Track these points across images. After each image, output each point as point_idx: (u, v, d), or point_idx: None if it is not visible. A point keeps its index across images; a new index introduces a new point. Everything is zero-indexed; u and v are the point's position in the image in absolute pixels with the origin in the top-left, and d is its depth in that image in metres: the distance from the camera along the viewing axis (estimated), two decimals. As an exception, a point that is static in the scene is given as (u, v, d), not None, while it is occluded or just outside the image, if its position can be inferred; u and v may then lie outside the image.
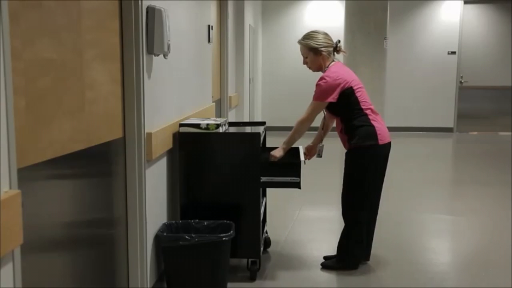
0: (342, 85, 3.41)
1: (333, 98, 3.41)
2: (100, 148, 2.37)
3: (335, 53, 3.56)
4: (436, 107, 10.70)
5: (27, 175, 1.70)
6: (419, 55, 10.63)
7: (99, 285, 2.41)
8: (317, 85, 3.45)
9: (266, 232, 3.98)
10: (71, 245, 2.13)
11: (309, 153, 3.84)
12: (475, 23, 10.84)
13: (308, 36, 3.53)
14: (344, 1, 9.17)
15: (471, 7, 10.74)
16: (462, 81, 10.75)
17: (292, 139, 3.52)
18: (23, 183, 1.59)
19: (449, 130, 10.75)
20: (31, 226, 1.73)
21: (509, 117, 10.69)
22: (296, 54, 10.52)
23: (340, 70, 3.48)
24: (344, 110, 3.46)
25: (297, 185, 3.40)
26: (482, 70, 10.92)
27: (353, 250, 3.57)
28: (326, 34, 3.54)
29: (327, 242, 4.10)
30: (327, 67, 3.51)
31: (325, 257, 3.74)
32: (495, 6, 10.80)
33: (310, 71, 3.63)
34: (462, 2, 10.56)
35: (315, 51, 3.49)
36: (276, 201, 5.10)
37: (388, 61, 9.35)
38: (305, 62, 3.59)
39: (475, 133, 10.77)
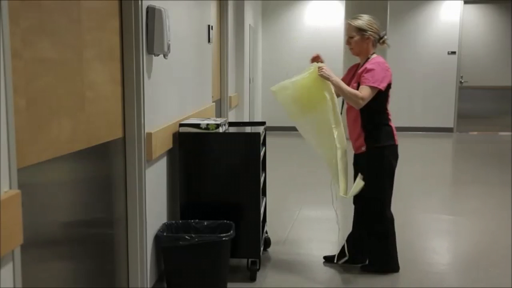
0: (390, 77, 3.38)
1: (383, 86, 3.32)
2: (100, 148, 2.36)
3: (377, 44, 3.49)
4: (436, 107, 10.70)
5: (27, 175, 1.70)
6: (419, 55, 10.62)
7: (99, 285, 2.41)
8: (370, 69, 3.31)
9: (266, 232, 3.98)
10: (71, 245, 2.13)
11: None
12: (475, 23, 10.81)
13: (360, 17, 3.47)
14: (344, 1, 9.17)
15: (471, 7, 10.72)
16: (462, 81, 10.75)
17: (339, 87, 3.27)
18: (23, 183, 1.59)
19: (449, 130, 10.75)
20: (31, 226, 1.73)
21: (509, 117, 10.67)
22: (296, 54, 10.52)
23: (385, 62, 3.42)
24: (375, 104, 3.33)
25: None
26: (482, 70, 10.88)
27: (393, 252, 3.57)
28: (375, 21, 3.49)
29: (327, 242, 4.10)
30: (371, 56, 3.43)
31: (325, 257, 3.74)
32: (495, 6, 10.78)
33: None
34: (462, 2, 10.56)
35: (363, 33, 3.42)
36: (276, 201, 5.10)
37: (388, 61, 9.32)
38: (348, 42, 3.51)
39: (475, 133, 10.77)
